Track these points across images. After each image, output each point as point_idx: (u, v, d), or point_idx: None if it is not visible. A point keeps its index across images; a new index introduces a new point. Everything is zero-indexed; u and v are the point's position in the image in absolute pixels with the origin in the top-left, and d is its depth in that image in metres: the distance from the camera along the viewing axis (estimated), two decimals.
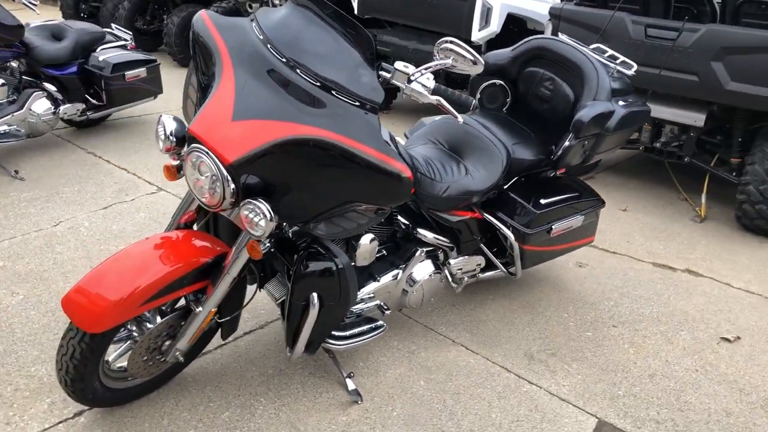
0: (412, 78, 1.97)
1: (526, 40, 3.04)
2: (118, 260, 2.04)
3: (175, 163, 2.22)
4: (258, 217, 1.92)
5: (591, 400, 2.61)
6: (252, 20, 2.16)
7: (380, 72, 2.04)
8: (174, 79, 6.73)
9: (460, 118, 2.03)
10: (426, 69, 1.97)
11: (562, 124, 2.87)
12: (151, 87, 5.16)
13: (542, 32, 5.72)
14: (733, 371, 2.87)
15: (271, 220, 1.90)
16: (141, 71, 4.97)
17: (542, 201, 2.81)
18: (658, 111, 4.25)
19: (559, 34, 3.34)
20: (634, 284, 3.53)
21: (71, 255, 3.31)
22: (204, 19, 2.20)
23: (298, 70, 1.97)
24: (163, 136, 2.10)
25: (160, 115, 2.13)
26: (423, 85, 1.98)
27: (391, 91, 5.74)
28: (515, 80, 3.05)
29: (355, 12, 5.87)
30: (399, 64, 2.00)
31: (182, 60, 7.42)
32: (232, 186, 1.93)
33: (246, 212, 1.94)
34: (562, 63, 2.89)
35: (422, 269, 2.66)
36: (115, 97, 4.87)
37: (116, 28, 5.28)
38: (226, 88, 1.99)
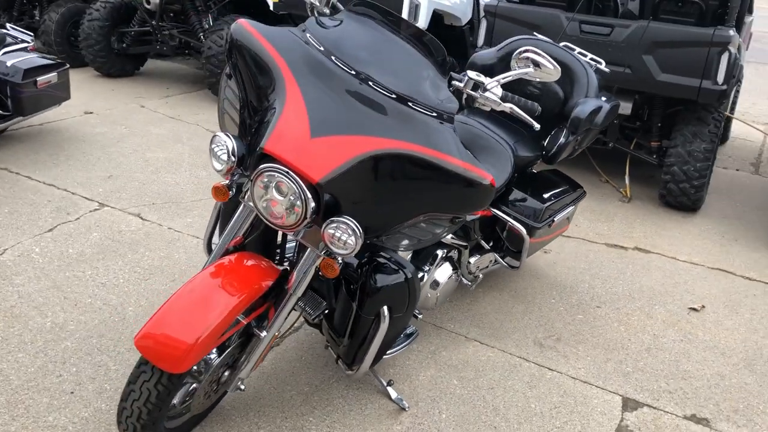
0: (488, 87, 1.99)
1: (509, 40, 3.14)
2: (183, 297, 1.89)
3: (225, 182, 2.09)
4: (346, 235, 1.86)
5: (608, 380, 2.79)
6: (303, 30, 2.07)
7: (452, 81, 2.03)
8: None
9: (536, 125, 2.08)
10: (503, 78, 2.00)
11: (551, 121, 3.01)
12: (61, 93, 4.73)
13: (460, 27, 5.90)
14: (711, 337, 3.17)
15: (360, 237, 1.85)
16: (52, 76, 4.54)
17: (544, 195, 2.94)
18: None
19: (535, 33, 3.48)
20: (599, 266, 3.78)
21: (36, 286, 2.99)
22: (246, 28, 2.08)
23: (370, 83, 1.93)
24: (225, 156, 1.96)
25: (215, 134, 1.98)
26: (494, 94, 2.00)
27: None
28: None
29: (271, 8, 5.72)
30: (472, 73, 2.01)
31: (65, 60, 6.81)
32: (312, 205, 1.85)
33: (332, 231, 1.87)
34: None
35: (444, 271, 2.69)
36: (25, 105, 4.41)
37: (12, 27, 4.77)
38: (294, 104, 1.90)
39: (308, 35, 2.04)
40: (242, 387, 2.16)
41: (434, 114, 1.94)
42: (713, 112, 4.44)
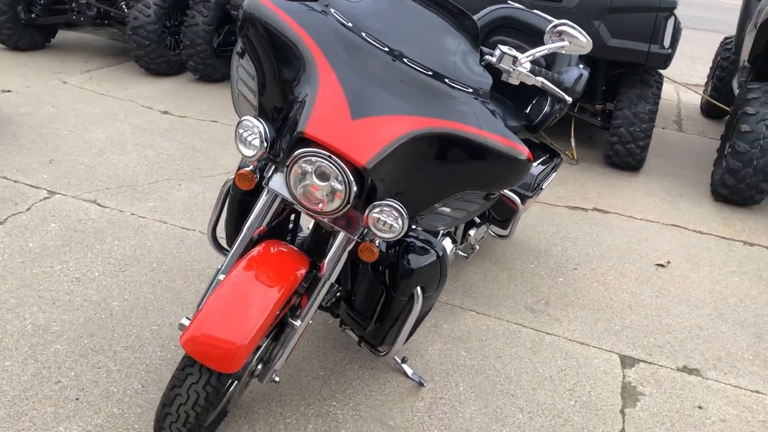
0: (522, 61, 1.97)
1: (488, 9, 3.13)
2: (224, 294, 1.79)
3: (250, 168, 1.98)
4: (391, 219, 1.81)
5: (602, 339, 2.90)
6: (327, 5, 1.97)
7: (484, 56, 1.99)
8: None
9: (568, 98, 2.08)
10: (538, 52, 1.98)
11: (532, 90, 3.03)
12: None
13: None
14: (681, 291, 3.36)
15: (406, 219, 1.81)
16: None
17: (533, 164, 2.98)
18: None
19: (509, 1, 3.47)
20: (566, 228, 3.90)
21: (3, 287, 2.74)
22: (264, 2, 1.95)
23: (405, 60, 1.86)
24: (257, 142, 1.84)
25: (243, 118, 1.86)
26: (525, 68, 1.99)
27: None
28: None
29: None
30: (504, 48, 1.98)
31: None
32: (355, 189, 1.79)
33: (377, 215, 1.81)
34: (529, 31, 3.04)
35: (446, 246, 2.69)
36: None
37: None
38: (329, 84, 1.82)
39: (333, 10, 1.94)
40: (276, 379, 2.08)
41: (470, 90, 1.91)
42: (655, 74, 4.64)
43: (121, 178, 3.84)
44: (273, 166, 1.95)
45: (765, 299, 3.36)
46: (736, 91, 5.56)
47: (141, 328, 2.61)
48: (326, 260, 1.99)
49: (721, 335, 3.03)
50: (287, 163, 1.82)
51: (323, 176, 1.79)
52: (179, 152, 4.30)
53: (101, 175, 3.85)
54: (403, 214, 1.80)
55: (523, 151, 1.96)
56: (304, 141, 1.79)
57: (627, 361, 2.77)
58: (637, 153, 4.66)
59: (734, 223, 4.20)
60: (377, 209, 1.81)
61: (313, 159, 1.77)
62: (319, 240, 2.18)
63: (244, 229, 2.03)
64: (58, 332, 2.53)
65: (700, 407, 2.55)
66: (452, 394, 2.46)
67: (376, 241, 1.95)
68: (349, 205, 1.81)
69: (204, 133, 4.69)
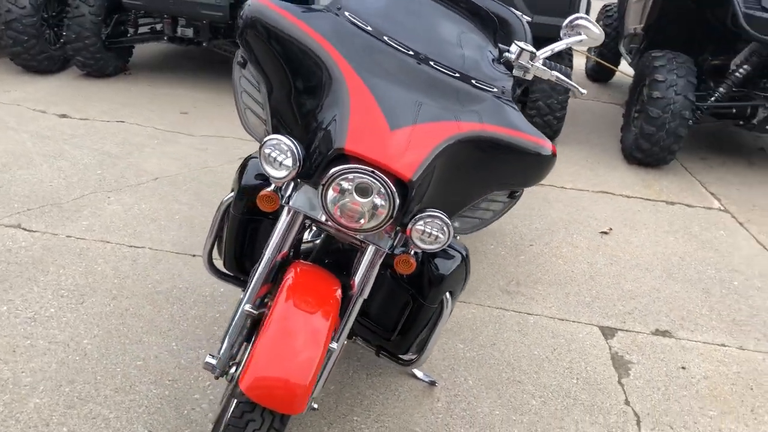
0: (540, 56, 1.95)
1: None
2: (274, 333, 1.66)
3: (270, 188, 1.84)
4: (436, 230, 1.75)
5: (578, 313, 3.01)
6: (339, 8, 1.84)
7: (503, 54, 1.95)
8: None
9: (582, 90, 2.08)
10: (557, 47, 1.97)
11: None
12: None
13: None
14: (630, 256, 3.56)
15: (450, 229, 1.76)
16: None
17: None
18: None
19: None
20: None
21: None
22: (271, 6, 1.80)
23: (431, 63, 1.79)
24: (290, 162, 1.70)
25: (271, 137, 1.71)
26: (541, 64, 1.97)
27: None
28: None
29: None
30: (521, 44, 1.94)
31: None
32: (398, 203, 1.71)
33: (421, 227, 1.74)
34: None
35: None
36: None
37: None
38: (359, 94, 1.71)
39: (347, 14, 1.82)
40: (315, 406, 1.98)
41: (495, 90, 1.87)
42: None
43: (40, 196, 3.45)
44: (293, 184, 1.82)
45: (700, 255, 3.64)
46: (625, 55, 5.92)
47: (124, 365, 2.38)
48: (357, 277, 1.90)
49: (677, 295, 3.24)
50: (323, 182, 1.70)
51: (364, 192, 1.69)
52: (95, 160, 3.93)
53: (15, 195, 3.44)
54: (448, 223, 1.75)
55: (548, 147, 1.96)
56: (343, 157, 1.69)
57: (607, 332, 2.90)
58: (555, 124, 4.85)
59: (652, 184, 4.49)
60: (420, 222, 1.74)
61: (355, 176, 1.67)
62: (328, 251, 2.08)
63: (267, 254, 1.88)
64: (31, 384, 2.25)
65: (683, 368, 2.73)
66: (464, 390, 2.46)
67: (411, 252, 1.89)
68: (391, 220, 1.73)
69: (114, 136, 4.32)
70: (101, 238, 3.13)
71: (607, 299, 3.14)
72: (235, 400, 1.67)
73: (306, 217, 1.81)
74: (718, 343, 2.91)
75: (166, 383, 2.32)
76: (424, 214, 1.73)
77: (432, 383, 2.47)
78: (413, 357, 2.18)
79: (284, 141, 1.71)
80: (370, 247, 1.87)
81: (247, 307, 1.85)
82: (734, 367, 2.77)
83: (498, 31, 1.93)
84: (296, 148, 1.71)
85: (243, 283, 2.27)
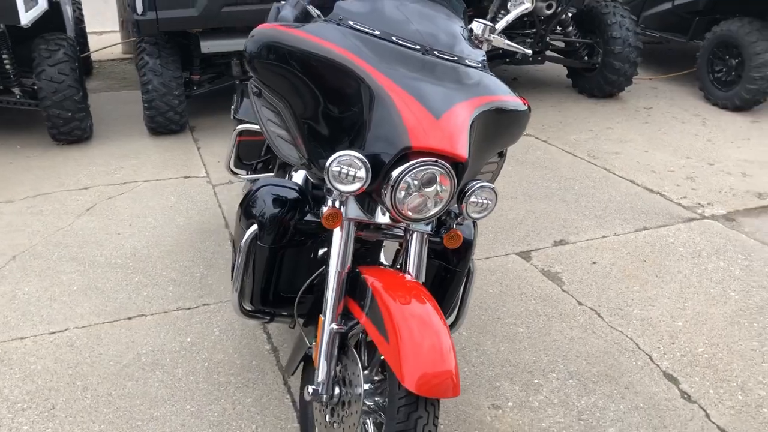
0: (497, 29, 2.18)
1: None
2: (409, 329, 1.74)
3: (334, 206, 1.87)
4: (483, 198, 1.96)
5: (495, 249, 3.41)
6: (341, 18, 1.89)
7: (473, 31, 2.14)
8: None
9: (528, 51, 2.34)
10: (510, 18, 2.21)
11: None
12: None
13: None
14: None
15: (496, 194, 1.98)
16: None
17: None
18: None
19: None
20: None
21: None
22: (281, 29, 1.83)
23: (435, 53, 1.96)
24: (363, 173, 1.75)
25: (340, 153, 1.73)
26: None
27: None
28: None
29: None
30: (480, 21, 2.16)
31: None
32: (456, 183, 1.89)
33: (474, 199, 1.93)
34: None
35: None
36: None
37: None
38: (397, 93, 1.83)
39: (351, 23, 1.90)
40: None
41: (480, 66, 2.10)
42: None
43: None
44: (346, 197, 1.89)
45: (539, 174, 4.30)
46: None
47: None
48: (410, 264, 2.02)
49: (546, 210, 3.82)
50: (392, 184, 1.80)
51: (429, 182, 1.83)
52: None
53: None
54: (493, 189, 1.96)
55: (526, 103, 2.26)
56: (404, 156, 1.80)
57: (524, 256, 3.36)
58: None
59: None
60: (472, 195, 1.93)
61: (420, 169, 1.79)
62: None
63: (332, 270, 1.92)
64: None
65: (594, 263, 3.29)
66: (465, 339, 2.71)
67: (454, 225, 2.07)
68: (452, 200, 1.89)
69: None
70: (9, 337, 2.70)
71: (504, 231, 3.59)
72: (398, 407, 1.72)
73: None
74: (600, 236, 3.54)
75: None
76: (474, 187, 1.92)
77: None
78: (453, 320, 2.36)
79: (354, 155, 1.76)
80: (415, 235, 2.01)
81: (334, 326, 1.89)
82: (623, 249, 3.41)
83: (466, 11, 2.14)
84: (366, 160, 1.78)
85: (268, 315, 2.23)
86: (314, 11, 2.07)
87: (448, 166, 1.80)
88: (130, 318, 2.82)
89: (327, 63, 1.81)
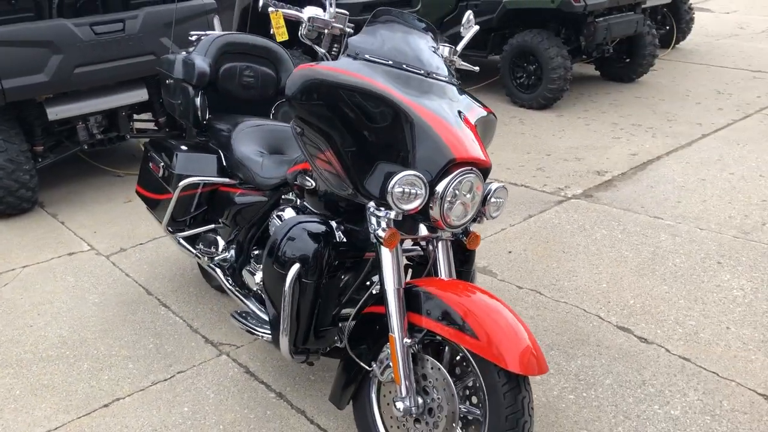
0: (458, 51, 2.42)
1: (208, 41, 3.09)
2: (484, 313, 1.91)
3: (390, 227, 1.98)
4: (502, 197, 2.20)
5: None
6: (357, 53, 2.02)
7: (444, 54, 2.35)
8: None
9: (476, 68, 2.58)
10: (465, 41, 2.44)
11: (274, 98, 3.30)
12: None
13: None
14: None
15: (507, 192, 2.23)
16: None
17: None
18: (105, 102, 4.43)
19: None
20: None
21: None
22: (322, 68, 1.94)
23: (434, 75, 2.17)
24: (423, 191, 1.90)
25: (401, 174, 1.85)
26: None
27: None
28: (215, 82, 3.11)
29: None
30: (444, 45, 2.37)
31: None
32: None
33: (494, 199, 2.16)
34: (250, 51, 3.20)
35: None
36: None
37: None
38: (425, 114, 2.02)
39: (367, 56, 2.04)
40: None
41: (457, 84, 2.34)
42: None
43: None
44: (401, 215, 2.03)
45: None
46: None
47: None
48: (444, 269, 2.20)
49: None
50: (441, 195, 1.97)
51: (469, 190, 2.04)
52: None
53: None
54: (505, 189, 2.21)
55: (492, 112, 2.54)
56: (446, 169, 1.98)
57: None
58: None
59: None
60: (493, 196, 2.16)
61: (463, 178, 1.99)
62: None
63: (390, 287, 2.03)
64: None
65: (510, 252, 3.68)
66: None
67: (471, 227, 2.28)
68: (479, 207, 2.12)
69: None
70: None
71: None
72: (503, 394, 1.87)
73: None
74: (500, 230, 3.95)
75: None
76: (492, 188, 2.16)
77: None
78: None
79: (413, 174, 1.92)
80: (440, 243, 2.20)
81: (407, 340, 2.01)
82: (525, 236, 3.85)
83: (440, 36, 2.37)
84: (424, 177, 1.93)
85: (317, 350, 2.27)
86: (320, 51, 2.17)
87: (479, 172, 2.01)
88: (106, 405, 2.59)
89: (365, 93, 1.94)
